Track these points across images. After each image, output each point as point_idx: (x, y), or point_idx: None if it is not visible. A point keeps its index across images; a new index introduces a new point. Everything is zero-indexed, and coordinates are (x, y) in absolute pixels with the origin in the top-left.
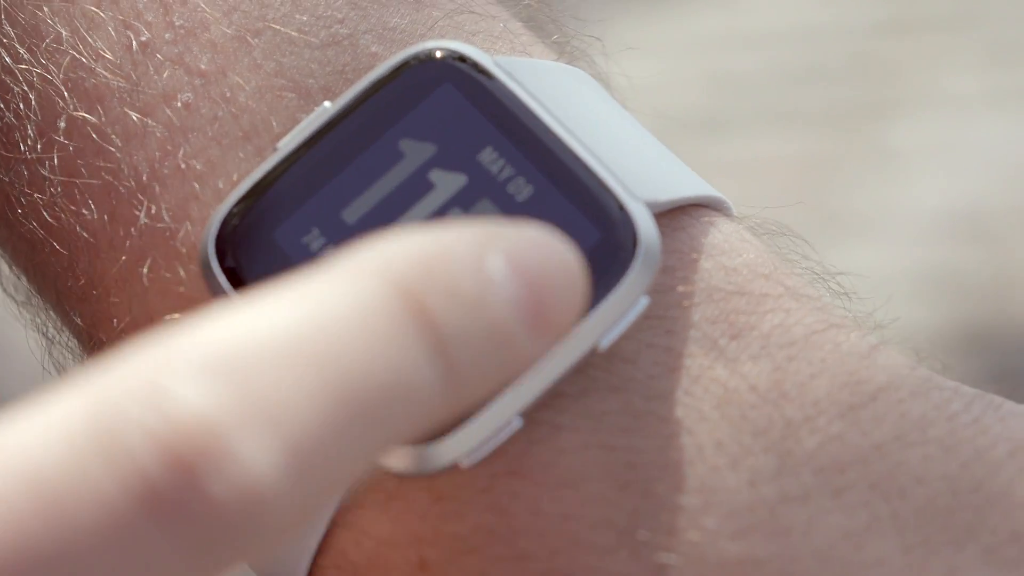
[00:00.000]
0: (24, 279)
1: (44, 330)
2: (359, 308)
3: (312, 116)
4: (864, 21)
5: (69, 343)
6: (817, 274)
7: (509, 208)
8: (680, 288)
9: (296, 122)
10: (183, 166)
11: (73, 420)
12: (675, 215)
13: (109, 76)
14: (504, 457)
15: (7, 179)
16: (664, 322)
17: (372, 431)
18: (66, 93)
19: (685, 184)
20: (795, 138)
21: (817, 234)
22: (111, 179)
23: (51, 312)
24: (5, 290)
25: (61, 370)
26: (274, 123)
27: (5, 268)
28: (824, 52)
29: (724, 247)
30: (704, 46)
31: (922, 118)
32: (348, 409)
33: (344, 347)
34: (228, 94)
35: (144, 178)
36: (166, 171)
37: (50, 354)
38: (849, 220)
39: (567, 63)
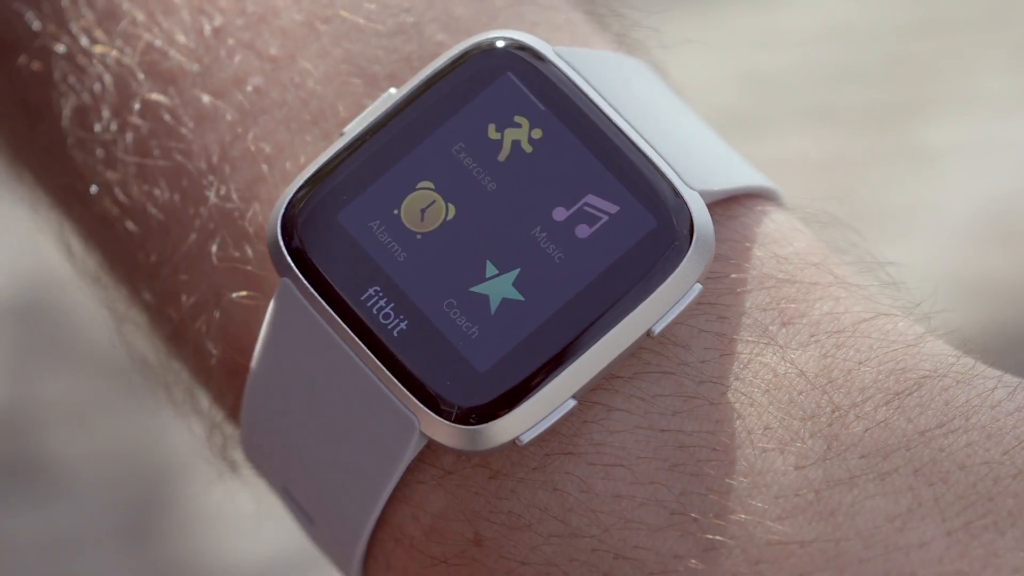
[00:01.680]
0: (96, 257)
1: (113, 307)
2: None
3: (377, 102)
4: (898, 21)
5: (137, 319)
6: (867, 263)
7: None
8: (733, 275)
9: (362, 108)
10: (252, 148)
11: None
12: (729, 204)
13: (182, 59)
14: (558, 437)
15: (82, 158)
16: (716, 308)
17: None
18: (140, 75)
19: (739, 174)
20: (828, 137)
21: None
22: (183, 159)
23: (121, 288)
24: (77, 268)
25: (129, 346)
26: (341, 108)
27: (77, 246)
28: (857, 51)
29: (776, 236)
30: (738, 45)
31: (955, 118)
32: None
33: None
34: (297, 79)
35: (214, 159)
36: (236, 153)
37: (119, 331)
38: (881, 219)
39: (626, 54)
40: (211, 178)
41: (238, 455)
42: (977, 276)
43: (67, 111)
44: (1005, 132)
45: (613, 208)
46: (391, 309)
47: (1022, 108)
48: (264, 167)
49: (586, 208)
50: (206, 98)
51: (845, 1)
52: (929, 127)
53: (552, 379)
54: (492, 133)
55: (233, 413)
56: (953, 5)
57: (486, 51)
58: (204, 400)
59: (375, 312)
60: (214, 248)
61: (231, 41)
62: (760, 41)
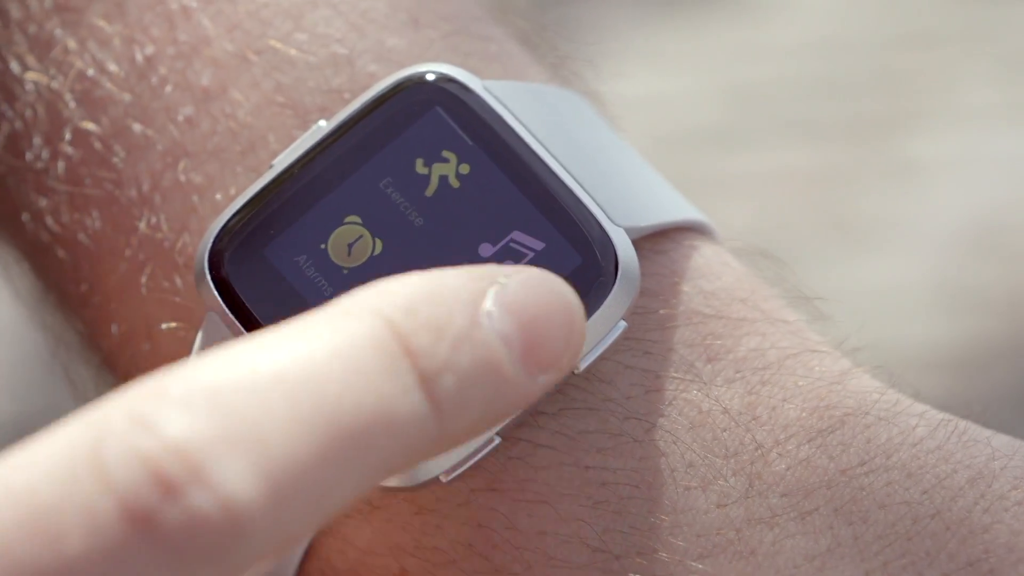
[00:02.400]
0: (32, 281)
1: (50, 330)
2: (349, 344)
3: (307, 134)
4: (883, 34)
5: (72, 343)
6: (795, 297)
7: None
8: (660, 311)
9: (293, 139)
10: (183, 179)
11: (69, 447)
12: (657, 239)
13: (114, 88)
14: (483, 473)
15: (13, 185)
16: (642, 344)
17: (358, 461)
18: (72, 103)
19: (668, 208)
20: (813, 150)
21: (835, 246)
22: (113, 189)
23: (56, 314)
24: (18, 292)
25: (66, 369)
26: (271, 140)
27: (15, 269)
28: (843, 65)
29: (704, 271)
30: (723, 58)
31: (941, 131)
32: (331, 438)
33: (329, 380)
34: (228, 110)
35: (145, 189)
36: (166, 183)
37: (55, 354)
38: (867, 232)
39: (560, 85)
40: (142, 208)
41: None
42: (962, 288)
43: None
44: (990, 145)
45: (539, 245)
46: None
47: (1007, 121)
48: (195, 198)
49: (512, 244)
50: (137, 127)
51: (830, 14)
52: (914, 140)
53: None
54: (420, 168)
55: None
56: (938, 18)
57: (416, 84)
58: None
59: None
60: (144, 279)
61: (163, 71)
62: (745, 55)
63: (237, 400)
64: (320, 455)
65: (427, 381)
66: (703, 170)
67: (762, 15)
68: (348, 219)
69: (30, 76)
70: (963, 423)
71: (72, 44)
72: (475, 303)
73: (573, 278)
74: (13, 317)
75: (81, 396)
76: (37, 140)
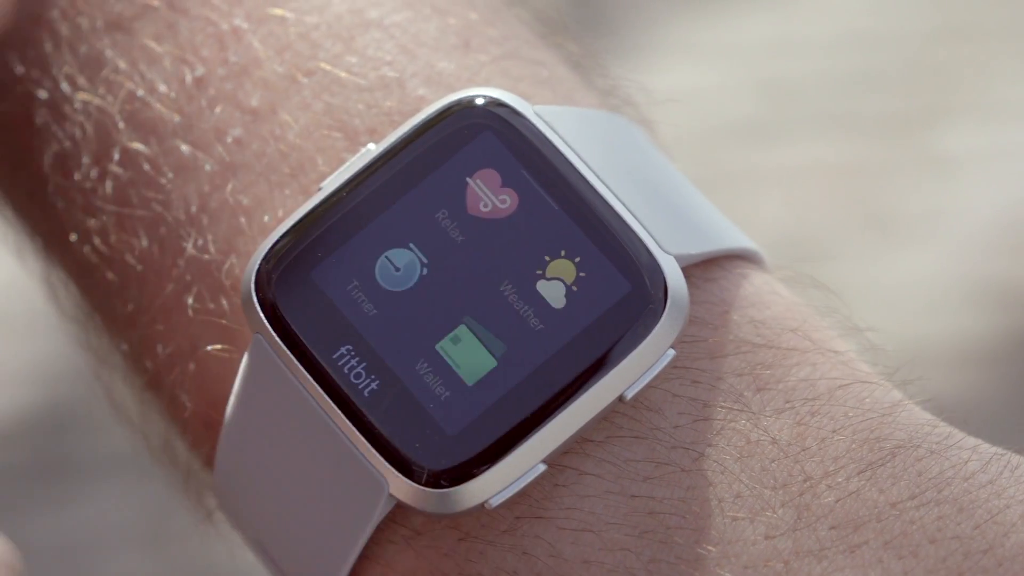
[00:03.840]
0: (76, 301)
1: (93, 351)
2: None
3: (356, 157)
4: (916, 28)
5: (116, 364)
6: (846, 328)
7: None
8: (709, 340)
9: (341, 162)
10: (231, 200)
11: None
12: (707, 267)
13: (163, 109)
14: (528, 500)
15: (63, 205)
16: (691, 372)
17: None
18: (121, 124)
19: (719, 236)
20: (846, 145)
21: (868, 241)
22: (161, 210)
23: (100, 335)
24: (59, 310)
25: (109, 390)
26: (320, 162)
27: (61, 289)
28: (876, 59)
29: (754, 299)
30: (755, 52)
31: (974, 126)
32: None
33: None
34: (277, 132)
35: (193, 210)
36: (214, 204)
37: (98, 375)
38: (900, 227)
39: (611, 110)
40: (189, 229)
41: (213, 503)
42: (995, 283)
43: (48, 157)
44: (1023, 140)
45: (587, 271)
46: (362, 369)
47: None
48: (242, 220)
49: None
50: (186, 148)
51: (864, 9)
52: (948, 135)
53: (522, 443)
54: (470, 192)
55: (209, 463)
56: (973, 13)
57: (466, 108)
58: (180, 449)
59: (346, 371)
60: (190, 300)
61: (212, 92)
62: (779, 48)
63: None
64: None
65: None
66: (736, 163)
67: (796, 9)
68: (396, 243)
69: (80, 96)
70: (1016, 457)
71: (122, 64)
72: None
73: (621, 305)
74: (56, 327)
75: (124, 417)
76: (86, 160)
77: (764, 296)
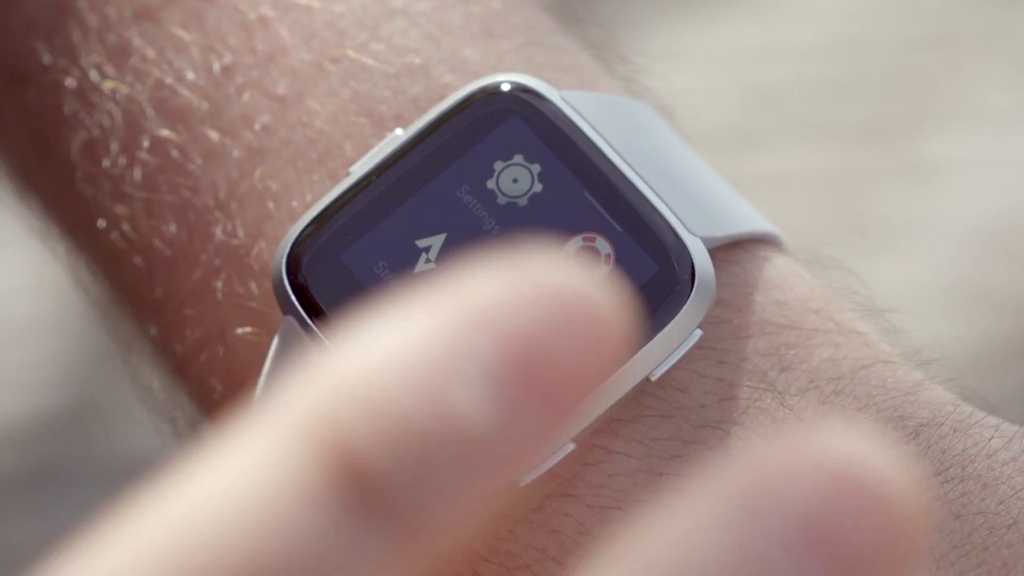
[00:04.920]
0: (104, 288)
1: (121, 337)
2: (276, 498)
3: (384, 143)
4: (899, 35)
5: (143, 350)
6: (867, 309)
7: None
8: (733, 321)
9: (369, 148)
10: (259, 186)
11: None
12: (731, 250)
13: (192, 96)
14: (557, 479)
15: (91, 192)
16: (716, 353)
17: None
18: (149, 111)
19: (742, 219)
20: (829, 151)
21: (851, 247)
22: (190, 196)
23: (128, 320)
24: (86, 298)
25: (135, 376)
26: (347, 148)
27: (88, 276)
28: (859, 65)
29: (777, 282)
30: (738, 58)
31: (957, 132)
32: None
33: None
34: (305, 118)
35: (221, 196)
36: (243, 190)
37: (126, 361)
38: (883, 233)
39: (632, 97)
40: (217, 215)
41: None
42: (980, 289)
43: (76, 145)
44: (1007, 146)
45: (615, 253)
46: None
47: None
48: (271, 205)
49: (588, 252)
50: (214, 135)
51: (847, 15)
52: (931, 141)
53: None
54: (497, 176)
55: None
56: (955, 20)
57: (492, 94)
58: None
59: None
60: (219, 284)
61: (240, 79)
62: (762, 55)
63: None
64: None
65: (379, 499)
66: (719, 169)
67: (780, 16)
68: (425, 226)
69: (108, 84)
70: None
71: (150, 53)
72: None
73: (649, 286)
74: (72, 311)
75: (152, 404)
76: (114, 147)
77: (787, 278)
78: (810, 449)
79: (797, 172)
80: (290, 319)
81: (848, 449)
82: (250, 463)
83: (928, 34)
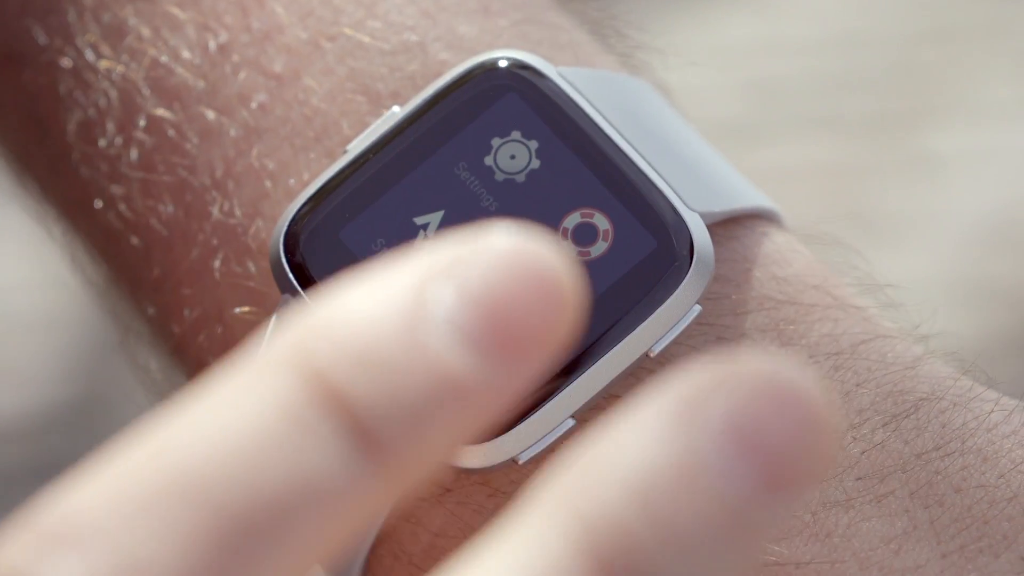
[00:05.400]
0: (101, 269)
1: (118, 318)
2: (260, 417)
3: (380, 120)
4: (902, 29)
5: (141, 331)
6: (866, 285)
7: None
8: (732, 296)
9: (366, 126)
10: (256, 165)
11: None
12: (729, 225)
13: (187, 75)
14: (556, 456)
15: (87, 172)
16: (715, 329)
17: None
18: (146, 90)
19: (740, 195)
20: (833, 145)
21: (855, 241)
22: (187, 175)
23: (126, 301)
24: (83, 279)
25: (134, 357)
26: (344, 126)
27: (83, 258)
28: (862, 59)
29: (775, 257)
30: (741, 53)
31: (960, 126)
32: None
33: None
34: (301, 96)
35: (218, 175)
36: (239, 169)
37: (124, 341)
38: (887, 227)
39: (630, 74)
40: (214, 194)
41: None
42: (983, 283)
43: (72, 125)
44: (1011, 140)
45: (613, 228)
46: None
47: None
48: (267, 184)
49: (586, 228)
50: (211, 114)
51: (849, 9)
52: (934, 135)
53: (551, 399)
54: (495, 152)
55: None
56: (958, 14)
57: (489, 70)
58: None
59: None
60: (217, 264)
61: (236, 58)
62: (764, 49)
63: None
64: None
65: (360, 427)
66: None
67: (781, 10)
68: (422, 203)
69: (104, 64)
70: None
71: (146, 32)
72: (414, 312)
73: (647, 262)
74: (80, 304)
75: (150, 384)
76: (110, 127)
77: (785, 254)
78: (740, 367)
79: (799, 166)
80: (288, 297)
81: (774, 367)
82: (237, 391)
83: (931, 28)
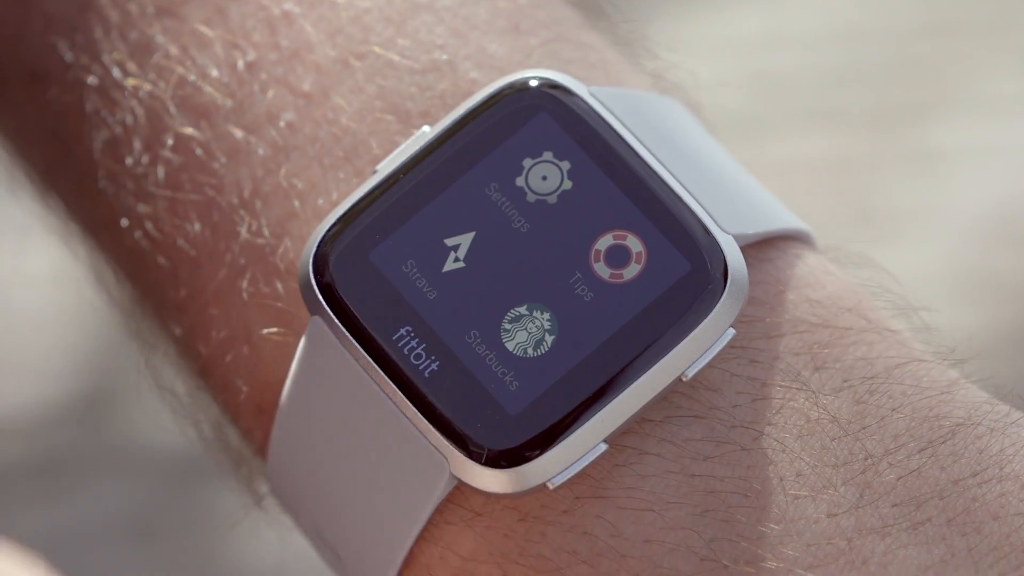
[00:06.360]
0: (127, 288)
1: (143, 337)
2: None
3: (411, 140)
4: (906, 23)
5: (167, 351)
6: (900, 307)
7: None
8: (766, 319)
9: (395, 145)
10: (284, 184)
11: None
12: (762, 247)
13: (215, 93)
14: (588, 480)
15: (113, 191)
16: (749, 352)
17: None
18: (173, 109)
19: (773, 217)
20: (834, 139)
21: (856, 235)
22: (214, 194)
23: (151, 321)
24: (108, 298)
25: (158, 377)
26: (374, 145)
27: (108, 277)
28: (865, 53)
29: (809, 280)
30: (744, 46)
31: (963, 120)
32: None
33: None
34: (330, 115)
35: (246, 194)
36: (267, 188)
37: (148, 362)
38: (889, 221)
39: (661, 93)
40: (242, 213)
41: (264, 489)
42: (985, 277)
43: (98, 143)
44: (1013, 134)
45: (647, 251)
46: (423, 350)
47: None
48: (296, 203)
49: (620, 250)
50: (238, 133)
51: (853, 3)
52: (937, 129)
53: (583, 423)
54: (526, 173)
55: (261, 449)
56: (961, 7)
57: (520, 90)
58: (232, 434)
59: (406, 352)
60: (244, 284)
61: (264, 76)
62: (767, 43)
63: None
64: None
65: None
66: None
67: (785, 4)
68: (454, 224)
69: (130, 82)
70: None
71: (173, 49)
72: None
73: (681, 285)
74: (84, 300)
75: (175, 406)
76: (137, 145)
77: (819, 276)
78: None
79: (803, 160)
80: (317, 319)
81: None
82: None
83: (934, 22)
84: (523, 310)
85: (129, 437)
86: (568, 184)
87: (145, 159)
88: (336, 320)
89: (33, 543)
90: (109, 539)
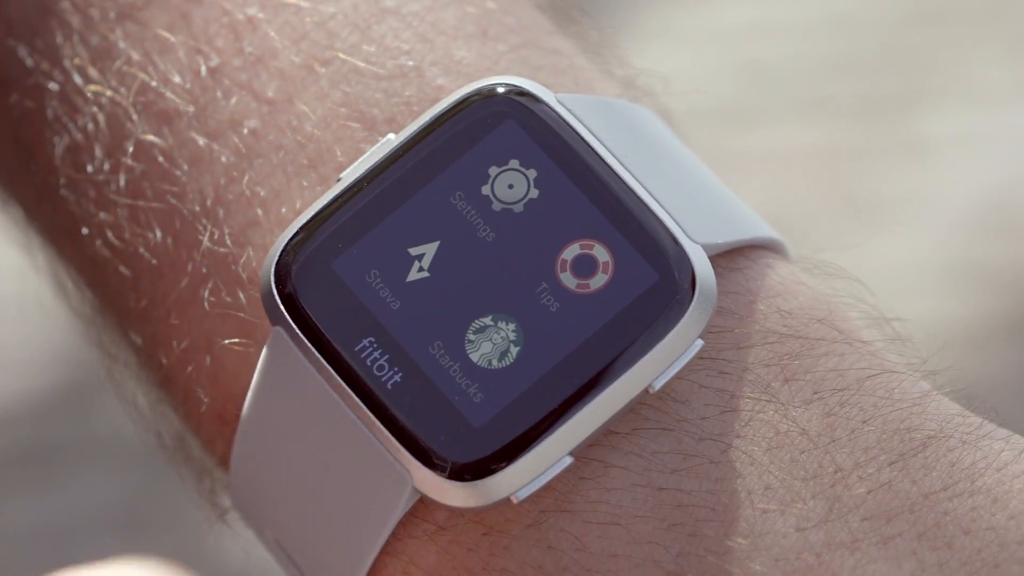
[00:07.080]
0: (88, 297)
1: (105, 347)
2: None
3: (376, 147)
4: (894, 11)
5: (128, 361)
6: (873, 318)
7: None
8: (735, 330)
9: (360, 152)
10: (247, 192)
11: None
12: (733, 256)
13: (178, 100)
14: (553, 493)
15: (74, 199)
16: (718, 363)
17: None
18: (135, 115)
19: (744, 225)
20: (824, 128)
21: (847, 224)
22: (176, 202)
23: (113, 330)
24: (70, 306)
25: (119, 388)
26: (338, 152)
27: (70, 285)
28: (855, 42)
29: (780, 289)
30: (733, 36)
31: (953, 109)
32: None
33: None
34: (294, 122)
35: (208, 203)
36: (230, 196)
37: (110, 371)
38: (879, 210)
39: (631, 100)
40: (204, 222)
41: (227, 501)
42: (975, 265)
43: (59, 150)
44: (1003, 123)
45: (613, 261)
46: (385, 361)
47: (1020, 99)
48: (259, 212)
49: (586, 259)
50: (201, 140)
51: None
52: (926, 118)
53: (548, 435)
54: (492, 181)
55: (223, 460)
56: None
57: (487, 97)
58: (194, 446)
59: (369, 364)
60: (206, 293)
61: (227, 82)
62: (757, 32)
63: None
64: None
65: None
66: (714, 148)
67: None
68: (418, 233)
69: (92, 88)
70: None
71: (135, 55)
72: None
73: (649, 295)
74: (64, 328)
75: (136, 414)
76: (98, 153)
77: (790, 286)
78: None
79: (791, 149)
80: (279, 330)
81: None
82: None
83: (923, 10)
84: (488, 320)
85: (118, 428)
86: (534, 193)
87: (106, 166)
88: (298, 330)
89: (21, 534)
90: (98, 530)
